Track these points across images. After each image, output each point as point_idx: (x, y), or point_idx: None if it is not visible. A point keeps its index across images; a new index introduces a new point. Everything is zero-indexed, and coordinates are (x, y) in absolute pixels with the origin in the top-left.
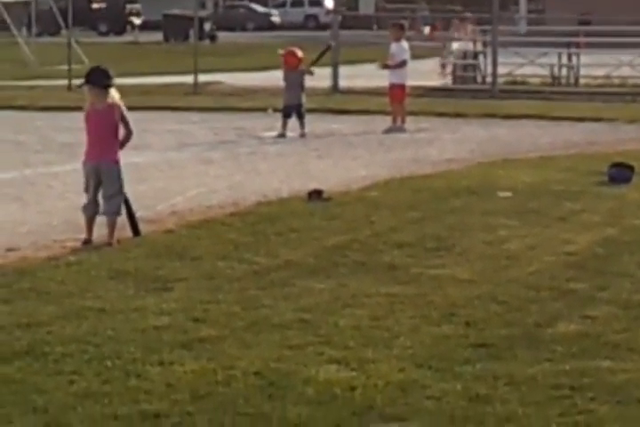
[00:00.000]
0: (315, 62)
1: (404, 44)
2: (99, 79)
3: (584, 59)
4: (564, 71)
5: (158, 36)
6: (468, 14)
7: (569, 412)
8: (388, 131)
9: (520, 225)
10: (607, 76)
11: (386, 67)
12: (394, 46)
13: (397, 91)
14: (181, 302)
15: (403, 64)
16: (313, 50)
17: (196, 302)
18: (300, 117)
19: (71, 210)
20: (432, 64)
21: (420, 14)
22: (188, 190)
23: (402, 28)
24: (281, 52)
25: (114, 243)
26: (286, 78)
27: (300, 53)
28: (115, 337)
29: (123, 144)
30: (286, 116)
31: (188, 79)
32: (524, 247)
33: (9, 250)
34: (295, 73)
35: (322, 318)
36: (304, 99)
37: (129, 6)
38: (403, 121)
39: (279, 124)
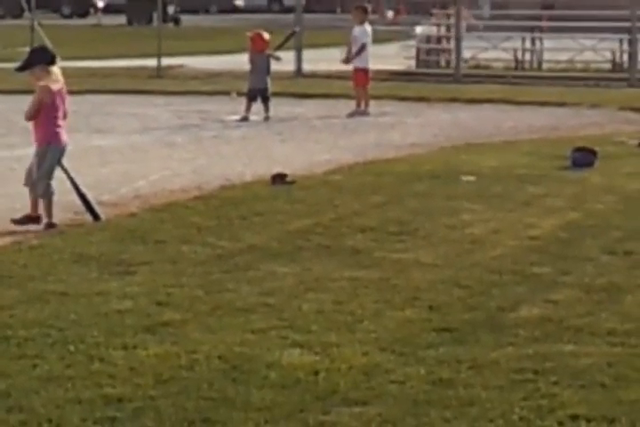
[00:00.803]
0: (279, 47)
1: (367, 27)
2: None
3: (547, 43)
4: (528, 56)
5: (122, 19)
6: None
7: (532, 396)
8: (351, 114)
9: (483, 209)
10: (570, 61)
11: (347, 60)
12: (356, 29)
13: (360, 75)
14: (145, 285)
15: (362, 48)
16: (278, 33)
17: (159, 285)
18: (265, 101)
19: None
20: (395, 48)
21: None
22: (151, 174)
23: (365, 11)
24: (249, 34)
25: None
26: (252, 61)
27: (267, 36)
28: (78, 321)
29: None
30: (251, 99)
31: (152, 62)
32: (488, 232)
33: None
34: (262, 56)
35: (285, 302)
36: (269, 82)
37: None
38: (367, 105)
39: (243, 107)
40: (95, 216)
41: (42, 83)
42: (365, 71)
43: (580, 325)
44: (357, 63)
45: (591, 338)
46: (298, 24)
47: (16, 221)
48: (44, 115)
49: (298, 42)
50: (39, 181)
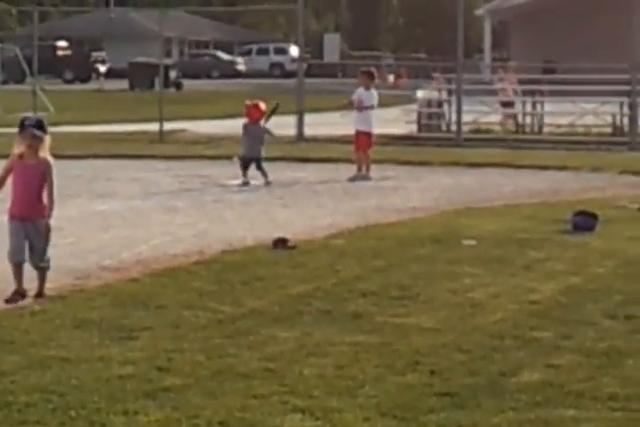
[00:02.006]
0: (266, 120)
1: (374, 91)
2: (37, 125)
3: (548, 107)
4: (529, 119)
5: (124, 83)
6: (513, 63)
7: None
8: (352, 179)
9: (484, 273)
10: (571, 125)
11: (349, 105)
12: (362, 92)
13: (363, 138)
14: (146, 351)
15: (368, 108)
16: (279, 98)
17: (160, 350)
18: (260, 169)
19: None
20: (397, 112)
21: (385, 62)
22: (152, 239)
23: (371, 76)
24: (248, 102)
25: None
26: (247, 130)
27: (263, 107)
28: (79, 386)
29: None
30: (245, 166)
31: (154, 127)
32: (489, 296)
33: None
34: (256, 126)
35: (286, 367)
36: (263, 152)
37: (94, 54)
38: (368, 169)
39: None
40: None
41: (47, 155)
42: (368, 135)
43: (581, 389)
44: (360, 126)
45: (592, 403)
46: (300, 89)
47: (8, 300)
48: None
49: (299, 106)
50: (46, 254)
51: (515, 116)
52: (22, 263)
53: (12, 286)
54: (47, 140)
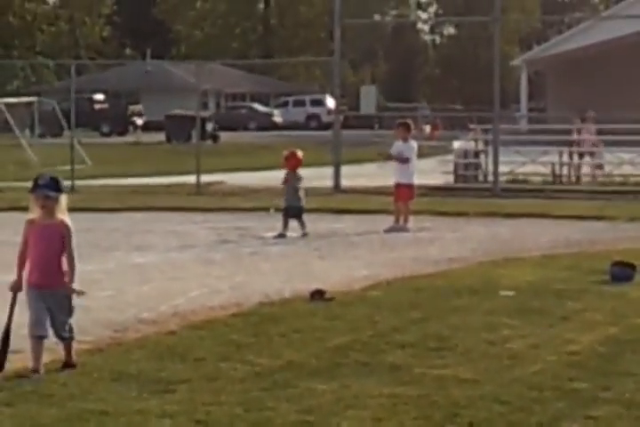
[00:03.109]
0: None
1: (412, 143)
2: (51, 184)
3: (586, 157)
4: (565, 170)
5: (161, 136)
6: (592, 113)
7: None
8: (389, 230)
9: (522, 324)
10: (608, 175)
11: (389, 157)
12: (400, 145)
13: (404, 190)
14: (184, 403)
15: (405, 161)
16: (315, 150)
17: (198, 403)
18: (299, 219)
19: (74, 312)
20: (433, 163)
21: (421, 113)
22: (190, 291)
23: (409, 128)
24: (285, 152)
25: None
26: (287, 179)
27: (300, 155)
28: None
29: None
30: (286, 216)
31: (191, 179)
32: (527, 347)
33: (11, 352)
34: (295, 174)
35: (325, 420)
36: (304, 200)
37: (131, 107)
38: (406, 220)
39: (280, 224)
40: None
41: (65, 216)
42: (409, 187)
43: None
44: (400, 179)
45: None
46: (336, 141)
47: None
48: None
49: (336, 157)
50: (68, 324)
51: (553, 166)
52: (43, 338)
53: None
54: (64, 199)
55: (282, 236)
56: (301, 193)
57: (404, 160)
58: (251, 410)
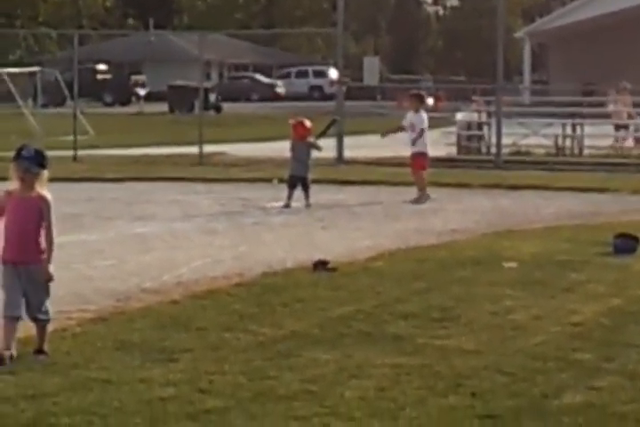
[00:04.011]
0: (321, 135)
1: (423, 114)
2: (34, 157)
3: (588, 129)
4: (568, 142)
5: (163, 106)
6: (627, 84)
7: None
8: (416, 201)
9: (525, 295)
10: (611, 147)
11: (400, 129)
12: (412, 116)
13: (420, 159)
14: (187, 372)
15: (421, 133)
16: (318, 120)
17: (201, 372)
18: (306, 188)
19: (77, 281)
20: (436, 135)
21: (424, 85)
22: (193, 261)
23: (421, 98)
24: (291, 121)
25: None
26: (294, 148)
27: (308, 124)
28: (121, 408)
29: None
30: (292, 186)
31: (194, 150)
32: (530, 318)
33: None
34: (303, 144)
35: (327, 389)
36: (310, 170)
37: (134, 77)
38: (422, 189)
39: (284, 194)
40: None
41: (45, 190)
42: (424, 155)
43: (624, 411)
44: (416, 148)
45: (636, 425)
46: (338, 111)
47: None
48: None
49: (339, 129)
50: (44, 305)
51: (556, 138)
52: (17, 319)
53: None
54: (45, 175)
55: (287, 206)
56: (309, 163)
57: (420, 134)
58: (254, 379)
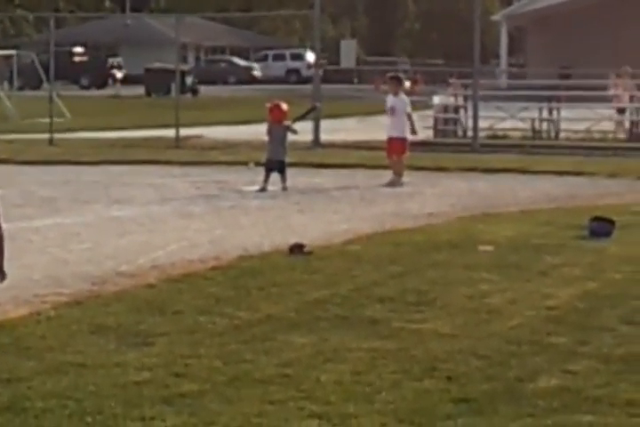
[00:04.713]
0: (297, 120)
1: (404, 96)
2: None
3: (564, 113)
4: (545, 125)
5: (140, 89)
6: (628, 68)
7: None
8: (390, 184)
9: (501, 279)
10: (588, 131)
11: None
12: (392, 99)
13: (397, 144)
14: (162, 356)
15: (409, 117)
16: (295, 104)
17: (176, 356)
18: (282, 172)
19: (52, 264)
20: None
21: (401, 68)
22: (169, 244)
23: (400, 81)
24: (268, 105)
25: None
26: (270, 132)
27: (285, 107)
28: (95, 392)
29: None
30: (269, 170)
31: (170, 133)
32: (505, 301)
33: None
34: (279, 127)
35: (303, 373)
36: (286, 153)
37: (110, 60)
38: (400, 174)
39: (261, 178)
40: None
41: None
42: (403, 140)
43: (598, 395)
44: (393, 133)
45: (610, 409)
46: (316, 95)
47: None
48: None
49: (316, 112)
50: None
51: (532, 122)
52: None
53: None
54: None
55: (263, 190)
56: (286, 147)
57: (410, 119)
58: (229, 363)
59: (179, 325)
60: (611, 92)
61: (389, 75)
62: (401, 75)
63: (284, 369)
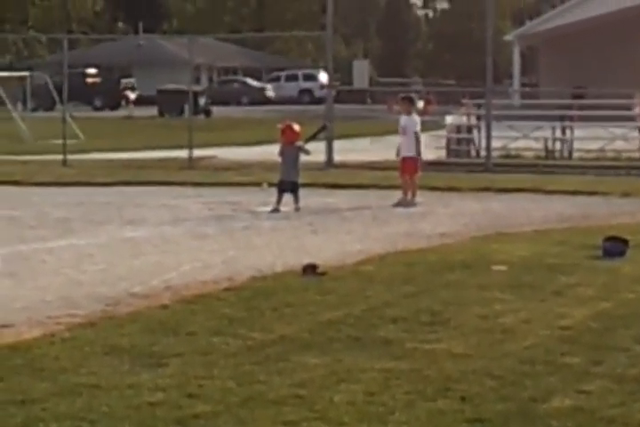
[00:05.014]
0: (309, 140)
1: (416, 117)
2: None
3: (578, 132)
4: (558, 145)
5: (153, 110)
6: None
7: None
8: (398, 204)
9: (515, 299)
10: (601, 150)
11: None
12: (405, 119)
13: (410, 163)
14: (176, 377)
15: (417, 138)
16: (308, 124)
17: (190, 377)
18: (295, 193)
19: (66, 286)
20: (426, 138)
21: (414, 88)
22: (182, 265)
23: (412, 101)
24: (280, 126)
25: None
26: (283, 153)
27: (297, 128)
28: (109, 413)
29: None
30: (282, 191)
31: (183, 154)
32: (519, 321)
33: (3, 326)
34: (292, 148)
35: (317, 394)
36: (299, 174)
37: (124, 81)
38: (414, 195)
39: (274, 198)
40: None
41: None
42: (415, 160)
43: (612, 415)
44: (406, 152)
45: None
46: (328, 115)
47: None
48: None
49: (328, 133)
50: None
51: (545, 141)
52: None
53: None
54: None
55: (276, 211)
56: (298, 167)
57: (417, 139)
58: (243, 384)
59: (192, 346)
60: (636, 111)
61: (401, 95)
62: (413, 95)
63: (297, 390)
